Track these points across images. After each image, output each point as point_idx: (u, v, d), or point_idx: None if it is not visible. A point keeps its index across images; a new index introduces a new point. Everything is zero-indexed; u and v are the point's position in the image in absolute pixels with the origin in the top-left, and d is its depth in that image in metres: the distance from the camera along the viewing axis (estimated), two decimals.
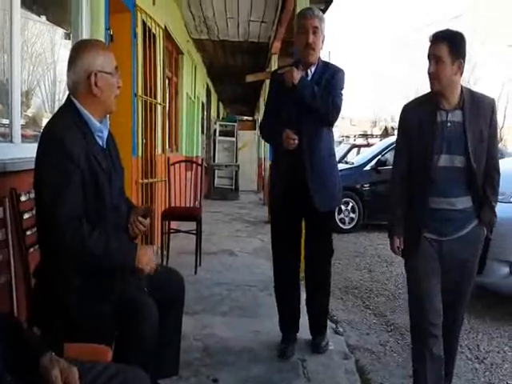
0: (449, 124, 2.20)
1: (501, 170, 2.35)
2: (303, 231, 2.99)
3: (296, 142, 2.66)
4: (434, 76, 2.17)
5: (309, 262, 2.98)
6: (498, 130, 2.37)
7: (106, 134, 1.94)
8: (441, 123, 2.21)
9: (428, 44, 2.20)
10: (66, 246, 1.72)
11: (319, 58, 2.84)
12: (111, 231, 1.84)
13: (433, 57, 2.16)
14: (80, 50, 1.90)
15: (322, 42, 2.80)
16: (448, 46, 2.12)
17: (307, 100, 2.68)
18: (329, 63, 2.91)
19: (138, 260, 1.79)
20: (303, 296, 3.08)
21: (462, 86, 2.23)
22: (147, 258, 1.82)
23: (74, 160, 1.74)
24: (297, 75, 2.64)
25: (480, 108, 2.22)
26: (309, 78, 2.79)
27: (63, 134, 1.76)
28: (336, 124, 3.00)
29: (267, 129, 2.94)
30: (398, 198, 2.36)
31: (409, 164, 2.32)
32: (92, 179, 1.80)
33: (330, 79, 2.78)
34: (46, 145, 1.78)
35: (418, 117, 2.26)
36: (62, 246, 1.73)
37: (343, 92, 2.84)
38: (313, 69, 2.80)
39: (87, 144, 1.82)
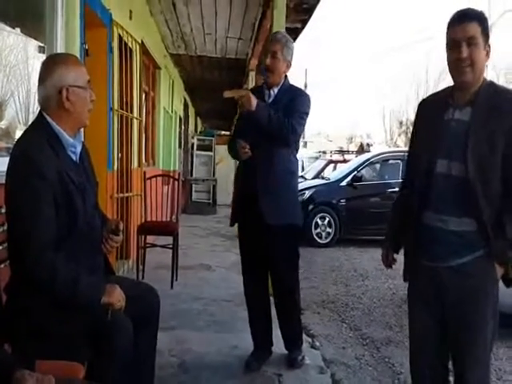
0: (453, 123, 1.81)
1: None
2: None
3: (248, 151, 2.74)
4: (467, 62, 1.73)
5: (273, 278, 2.99)
6: None
7: (79, 148, 1.93)
8: (446, 122, 1.83)
9: (447, 28, 1.79)
10: (36, 279, 1.71)
11: (286, 80, 2.91)
12: (84, 261, 1.84)
13: (464, 39, 1.72)
14: (50, 64, 1.88)
15: (287, 66, 2.87)
16: (479, 25, 1.73)
17: (263, 123, 2.73)
18: (293, 86, 2.97)
19: (105, 299, 1.78)
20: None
21: (484, 79, 1.82)
22: (116, 296, 1.81)
23: (46, 179, 1.71)
24: (253, 101, 2.68)
25: (498, 109, 1.74)
26: (270, 98, 2.87)
27: (35, 152, 1.73)
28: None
29: (232, 146, 2.99)
30: (395, 211, 2.11)
31: (410, 176, 2.00)
32: (65, 198, 1.78)
33: (289, 102, 2.83)
34: (18, 164, 1.75)
35: (428, 114, 1.94)
36: (31, 278, 1.72)
37: (304, 116, 2.87)
38: (275, 89, 2.87)
39: (59, 161, 1.80)
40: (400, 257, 2.07)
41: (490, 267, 1.78)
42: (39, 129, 1.84)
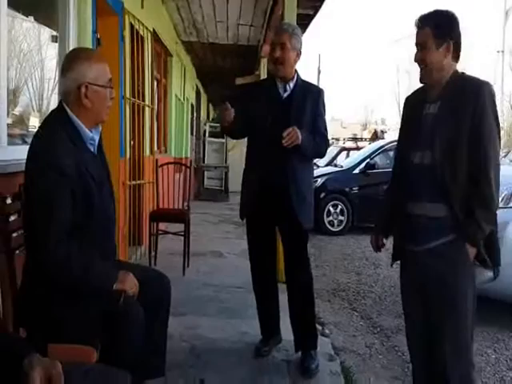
0: (427, 117, 1.97)
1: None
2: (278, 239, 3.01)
3: (230, 109, 2.62)
4: (421, 64, 1.95)
5: (288, 273, 2.94)
6: (490, 126, 1.85)
7: (97, 139, 1.96)
8: (423, 116, 1.99)
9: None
10: (50, 268, 1.75)
11: (297, 73, 2.82)
12: (97, 249, 1.88)
13: (418, 44, 1.94)
14: (73, 58, 1.90)
15: (297, 55, 2.77)
16: (432, 30, 1.89)
17: (307, 152, 2.73)
18: (306, 82, 2.89)
19: (119, 285, 1.83)
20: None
21: (454, 72, 1.95)
22: (129, 282, 1.86)
23: (64, 173, 1.74)
24: (299, 134, 2.60)
25: (462, 96, 1.87)
26: (286, 93, 2.79)
27: (55, 146, 1.76)
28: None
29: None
30: (386, 200, 2.26)
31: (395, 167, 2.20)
32: (83, 190, 1.81)
33: (316, 104, 2.79)
34: (38, 156, 1.78)
35: (409, 110, 2.11)
36: (46, 267, 1.76)
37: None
38: (291, 84, 2.79)
39: (79, 155, 1.82)
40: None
41: (462, 249, 1.90)
42: (60, 122, 1.85)
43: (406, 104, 2.17)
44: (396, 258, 2.18)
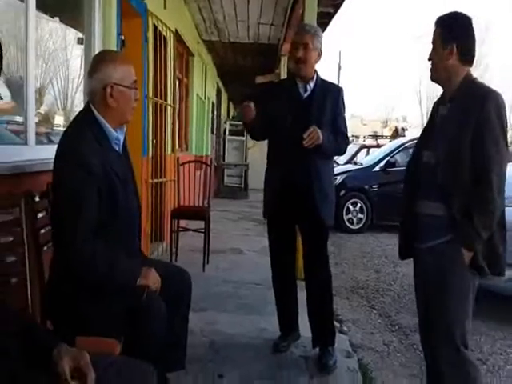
0: (438, 118, 2.05)
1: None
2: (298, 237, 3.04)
3: (251, 106, 2.69)
4: (429, 61, 2.04)
5: (307, 271, 2.98)
6: (494, 130, 1.87)
7: (122, 139, 2.03)
8: (437, 118, 2.07)
9: None
10: (76, 266, 1.83)
11: (316, 73, 2.86)
12: (122, 246, 1.95)
13: (431, 43, 2.03)
14: (100, 59, 1.98)
15: (319, 55, 2.83)
16: (440, 30, 1.98)
17: (328, 151, 2.81)
18: (326, 81, 2.92)
19: (142, 281, 1.90)
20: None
21: (466, 77, 1.98)
22: (152, 278, 1.93)
23: (91, 172, 1.81)
24: (320, 135, 2.65)
25: (470, 100, 1.90)
26: (306, 93, 2.83)
27: (82, 146, 1.83)
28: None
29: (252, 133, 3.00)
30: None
31: None
32: (108, 189, 1.87)
33: (336, 102, 2.84)
34: (66, 156, 1.85)
35: (432, 111, 2.16)
36: (72, 265, 1.83)
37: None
38: (311, 84, 2.83)
39: (105, 155, 1.89)
40: None
41: (459, 251, 1.90)
42: (87, 122, 1.93)
43: (432, 108, 2.22)
44: (404, 255, 2.23)
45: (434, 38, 2.00)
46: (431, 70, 2.04)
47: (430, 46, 2.04)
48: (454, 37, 1.94)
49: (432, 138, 2.03)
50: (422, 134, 2.20)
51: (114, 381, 1.40)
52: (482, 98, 1.88)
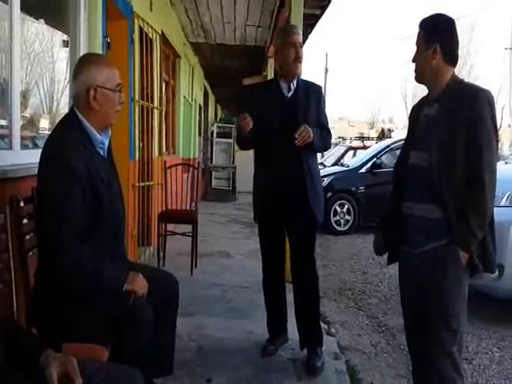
0: (424, 118, 2.02)
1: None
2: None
3: (248, 118, 2.72)
4: (413, 62, 2.05)
5: (295, 273, 2.98)
6: (486, 130, 1.86)
7: (107, 143, 2.02)
8: (420, 118, 2.05)
9: None
10: (61, 269, 1.80)
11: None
12: (107, 250, 1.94)
13: (415, 45, 2.04)
14: (84, 62, 1.98)
15: None
16: (423, 32, 1.99)
17: (318, 148, 2.90)
18: (306, 80, 3.00)
19: (128, 286, 1.89)
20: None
21: (453, 77, 1.99)
22: (139, 283, 1.92)
23: (76, 175, 1.80)
24: (311, 133, 2.70)
25: (460, 100, 1.89)
26: (290, 92, 2.88)
27: (66, 150, 1.82)
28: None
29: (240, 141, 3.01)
30: (390, 202, 2.24)
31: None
32: (93, 193, 1.86)
33: (319, 100, 2.92)
34: (50, 160, 1.84)
35: (412, 112, 2.17)
36: (57, 268, 1.81)
37: None
38: (294, 82, 2.88)
39: (88, 157, 1.88)
40: None
41: (454, 253, 1.89)
42: (71, 126, 1.92)
43: (411, 109, 2.24)
44: (392, 259, 2.21)
45: (417, 39, 2.01)
46: (416, 71, 2.04)
47: (415, 48, 2.05)
48: (437, 37, 1.95)
49: (420, 139, 2.01)
50: (407, 135, 2.19)
51: None
52: (473, 98, 1.87)
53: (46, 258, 1.88)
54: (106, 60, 2.10)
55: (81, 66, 1.95)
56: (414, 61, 2.04)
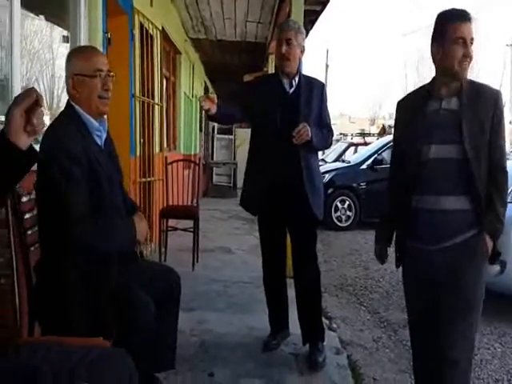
0: (442, 112, 1.98)
1: None
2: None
3: (207, 101, 2.58)
4: (469, 59, 1.93)
5: (296, 268, 2.97)
6: (504, 125, 1.99)
7: (104, 135, 2.03)
8: (433, 112, 1.99)
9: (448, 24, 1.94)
10: (75, 241, 1.82)
11: (299, 69, 2.87)
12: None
13: (470, 37, 1.91)
14: (68, 56, 2.04)
15: (302, 51, 2.84)
16: (471, 25, 1.93)
17: (317, 146, 2.87)
18: (308, 76, 2.94)
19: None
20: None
21: None
22: (141, 230, 2.03)
23: (75, 158, 1.83)
24: (309, 132, 2.68)
25: (481, 98, 1.96)
26: (292, 89, 2.84)
27: (63, 135, 1.85)
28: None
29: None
30: (388, 203, 2.23)
31: (401, 165, 2.10)
32: (92, 176, 1.88)
33: (321, 97, 2.88)
34: (47, 145, 1.86)
35: (410, 109, 2.09)
36: (71, 242, 1.82)
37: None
38: (296, 79, 2.84)
39: (85, 142, 1.91)
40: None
41: (480, 245, 1.93)
42: (68, 115, 1.97)
43: (402, 105, 2.18)
44: (402, 259, 2.15)
45: (472, 33, 1.93)
46: (467, 66, 1.95)
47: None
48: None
49: (442, 132, 1.96)
50: (410, 131, 2.05)
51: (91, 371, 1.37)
52: (496, 96, 1.98)
53: (50, 247, 1.89)
54: (85, 48, 2.19)
55: (66, 58, 2.01)
56: (470, 56, 1.93)
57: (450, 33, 1.92)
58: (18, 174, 1.32)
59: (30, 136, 1.25)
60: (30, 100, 1.23)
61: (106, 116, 2.09)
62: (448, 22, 1.93)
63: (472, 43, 1.92)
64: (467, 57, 1.92)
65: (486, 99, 1.95)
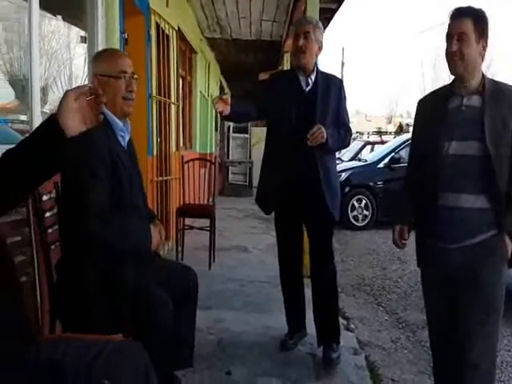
0: (463, 108, 1.95)
1: None
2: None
3: (219, 102, 2.51)
4: (456, 55, 1.90)
5: (313, 267, 2.95)
6: None
7: (127, 137, 2.06)
8: (454, 109, 1.96)
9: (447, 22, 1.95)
10: (93, 237, 1.84)
11: (316, 66, 2.82)
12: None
13: (456, 33, 1.90)
14: (94, 56, 2.09)
15: (319, 48, 2.79)
16: (473, 22, 1.88)
17: (334, 148, 2.84)
18: (326, 73, 2.88)
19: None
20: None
21: (483, 73, 1.99)
22: (155, 238, 2.03)
23: (99, 155, 1.85)
24: (324, 134, 2.63)
25: (503, 96, 1.92)
26: (308, 87, 2.79)
27: (92, 132, 1.85)
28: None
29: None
30: (407, 196, 2.22)
31: (419, 164, 2.08)
32: (114, 175, 1.90)
33: (339, 94, 2.82)
34: (77, 144, 1.86)
35: (431, 106, 2.08)
36: (89, 238, 1.84)
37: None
38: (313, 77, 2.79)
39: (110, 142, 1.94)
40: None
41: (500, 245, 1.89)
42: None
43: (423, 103, 2.17)
44: (423, 259, 2.12)
45: (463, 28, 1.89)
46: (458, 62, 1.92)
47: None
48: (486, 33, 1.92)
49: (463, 128, 1.93)
50: (430, 127, 2.03)
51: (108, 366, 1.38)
52: None
53: (71, 244, 1.91)
54: (110, 50, 2.20)
55: (92, 59, 2.06)
56: (456, 51, 1.91)
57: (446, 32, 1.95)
58: (52, 165, 1.36)
59: (87, 124, 1.33)
60: (85, 87, 1.28)
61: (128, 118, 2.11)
62: (449, 21, 1.96)
63: (461, 39, 1.88)
64: (451, 53, 1.91)
65: (509, 98, 1.92)
